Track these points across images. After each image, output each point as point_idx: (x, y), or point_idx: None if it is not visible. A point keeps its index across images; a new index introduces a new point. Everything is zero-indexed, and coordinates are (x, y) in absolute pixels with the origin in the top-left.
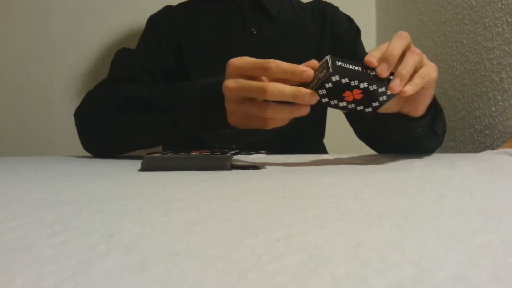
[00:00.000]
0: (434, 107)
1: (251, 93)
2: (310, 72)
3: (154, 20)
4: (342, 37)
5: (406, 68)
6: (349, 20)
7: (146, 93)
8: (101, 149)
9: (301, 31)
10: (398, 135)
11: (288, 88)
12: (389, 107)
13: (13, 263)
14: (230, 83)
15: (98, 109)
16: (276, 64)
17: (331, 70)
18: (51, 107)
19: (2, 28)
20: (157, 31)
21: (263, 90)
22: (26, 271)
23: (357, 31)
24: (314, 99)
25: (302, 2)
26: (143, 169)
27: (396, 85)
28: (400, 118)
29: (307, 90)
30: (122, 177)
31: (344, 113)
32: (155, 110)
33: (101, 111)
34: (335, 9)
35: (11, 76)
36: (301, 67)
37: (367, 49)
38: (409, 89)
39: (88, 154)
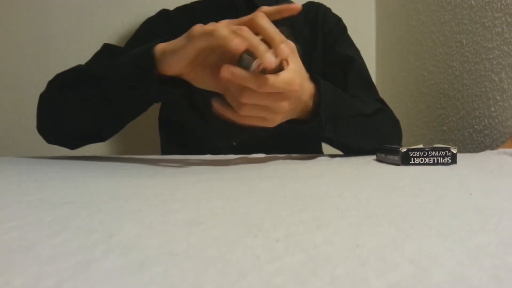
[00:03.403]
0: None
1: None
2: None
3: (147, 23)
4: (328, 36)
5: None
6: (337, 19)
7: (83, 67)
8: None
9: (294, 32)
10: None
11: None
12: None
13: (13, 263)
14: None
15: (45, 97)
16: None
17: None
18: None
19: (2, 28)
20: (147, 33)
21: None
22: (25, 271)
23: (342, 30)
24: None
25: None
26: None
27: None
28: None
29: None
30: (121, 177)
31: None
32: (89, 82)
33: (46, 95)
34: (327, 9)
35: (11, 76)
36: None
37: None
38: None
39: (87, 154)
